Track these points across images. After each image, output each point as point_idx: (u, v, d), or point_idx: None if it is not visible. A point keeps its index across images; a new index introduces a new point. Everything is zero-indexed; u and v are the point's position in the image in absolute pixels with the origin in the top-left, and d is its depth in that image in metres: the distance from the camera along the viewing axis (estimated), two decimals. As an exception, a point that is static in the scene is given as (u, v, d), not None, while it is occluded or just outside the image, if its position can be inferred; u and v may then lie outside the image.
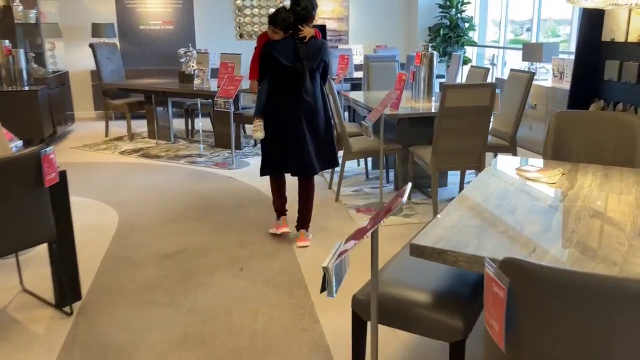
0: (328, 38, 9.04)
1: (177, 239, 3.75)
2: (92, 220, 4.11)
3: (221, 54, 7.16)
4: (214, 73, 7.39)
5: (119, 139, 7.09)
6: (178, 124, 7.80)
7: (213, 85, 6.43)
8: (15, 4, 6.42)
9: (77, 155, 6.26)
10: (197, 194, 4.73)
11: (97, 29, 8.05)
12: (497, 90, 3.68)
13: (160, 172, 5.48)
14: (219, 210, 4.31)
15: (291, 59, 3.29)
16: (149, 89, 6.53)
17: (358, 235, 1.41)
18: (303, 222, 3.60)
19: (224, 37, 8.85)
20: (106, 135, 7.22)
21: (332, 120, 3.62)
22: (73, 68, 8.31)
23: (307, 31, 3.31)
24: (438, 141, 3.71)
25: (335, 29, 9.12)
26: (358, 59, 8.61)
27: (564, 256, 1.56)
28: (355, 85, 7.45)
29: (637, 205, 1.99)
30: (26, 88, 6.19)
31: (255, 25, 8.91)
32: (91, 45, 7.04)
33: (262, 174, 3.57)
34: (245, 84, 5.08)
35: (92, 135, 7.34)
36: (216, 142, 6.56)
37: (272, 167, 3.51)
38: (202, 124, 7.72)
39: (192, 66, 6.36)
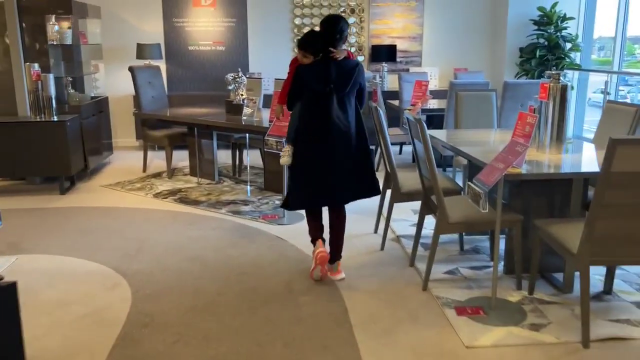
0: (398, 60, 7.93)
1: (204, 349, 2.69)
2: (94, 306, 3.13)
3: (275, 79, 6.18)
4: (268, 101, 6.43)
5: (158, 175, 6.21)
6: (224, 156, 6.87)
7: (265, 116, 5.45)
8: (50, 22, 5.69)
9: (106, 196, 5.40)
10: (238, 266, 3.68)
11: (142, 50, 7.28)
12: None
13: (196, 225, 4.50)
14: (263, 301, 3.23)
15: (322, 83, 3.17)
16: (191, 122, 5.61)
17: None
18: (337, 252, 3.45)
19: (280, 59, 7.91)
20: (144, 170, 6.37)
21: (369, 146, 3.38)
22: (115, 92, 7.57)
23: (339, 53, 3.20)
24: (596, 222, 2.48)
25: (406, 50, 7.99)
26: (432, 84, 7.44)
27: None
28: (432, 118, 6.27)
29: None
30: (55, 118, 5.40)
31: (316, 46, 7.92)
32: (130, 69, 6.23)
33: (292, 207, 3.42)
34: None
35: (129, 169, 6.51)
36: (266, 184, 5.54)
37: (302, 199, 3.34)
38: (252, 157, 6.75)
39: (241, 94, 5.40)
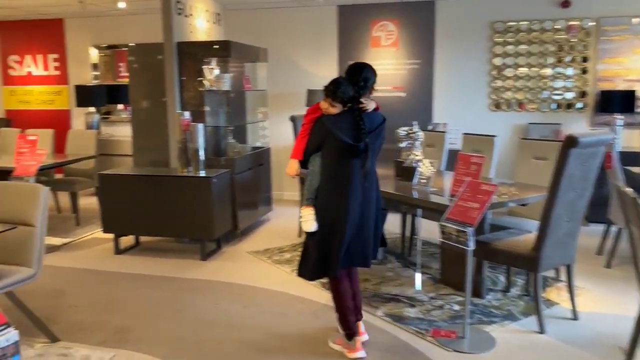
0: (638, 110, 5.94)
1: None
2: None
3: (463, 134, 4.80)
4: (452, 159, 5.04)
5: (312, 244, 5.18)
6: (393, 222, 5.56)
7: (447, 184, 4.09)
8: (209, 67, 5.12)
9: (248, 268, 4.49)
10: None
11: (313, 96, 6.48)
12: None
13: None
14: None
15: (352, 136, 2.88)
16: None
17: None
18: (360, 309, 3.19)
19: (472, 107, 6.49)
20: (299, 234, 5.41)
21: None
22: (281, 142, 6.85)
23: (369, 104, 2.96)
24: None
25: (647, 97, 5.95)
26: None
27: None
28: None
29: None
30: (201, 173, 4.73)
31: (519, 92, 6.33)
32: (292, 119, 5.40)
33: (313, 277, 3.05)
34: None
35: (285, 231, 5.61)
36: (442, 276, 4.13)
37: (324, 267, 2.98)
38: (428, 228, 5.33)
39: (415, 155, 4.12)
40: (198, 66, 5.09)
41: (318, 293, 3.96)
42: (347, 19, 6.80)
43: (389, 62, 6.70)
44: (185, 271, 4.47)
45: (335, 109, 2.92)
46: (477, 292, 3.77)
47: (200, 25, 5.57)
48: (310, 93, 6.51)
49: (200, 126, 4.69)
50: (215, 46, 5.13)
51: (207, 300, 3.88)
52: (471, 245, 2.99)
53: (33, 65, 7.98)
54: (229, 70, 5.45)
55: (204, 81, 5.08)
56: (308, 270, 3.05)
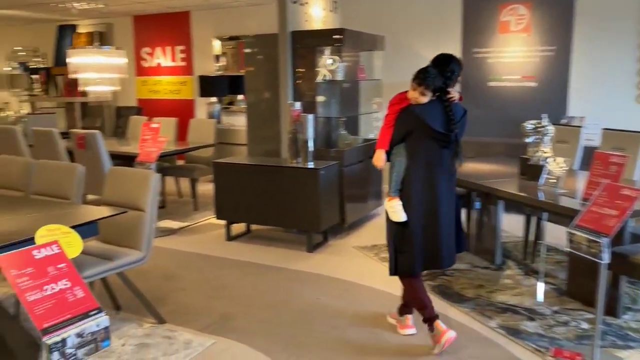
0: None
1: None
2: None
3: (603, 130, 4.22)
4: (587, 158, 4.48)
5: (423, 242, 4.89)
6: (514, 224, 5.08)
7: (580, 185, 3.61)
8: (323, 56, 5.02)
9: (353, 264, 4.35)
10: None
11: (431, 86, 6.15)
12: None
13: (448, 351, 2.99)
14: None
15: (441, 126, 2.86)
16: (465, 184, 4.10)
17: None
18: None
19: (616, 97, 5.74)
20: (410, 232, 5.14)
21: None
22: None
23: (455, 94, 2.94)
24: None
25: None
26: None
27: None
28: None
29: None
30: (310, 164, 4.65)
31: (675, 81, 5.48)
32: (407, 109, 5.12)
33: (404, 272, 3.00)
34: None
35: (394, 228, 5.37)
36: (569, 288, 3.65)
37: (417, 263, 2.94)
38: (554, 233, 4.77)
39: (543, 152, 3.67)
40: (312, 56, 5.00)
41: (425, 296, 3.69)
42: (472, 2, 6.35)
43: (518, 49, 6.15)
44: (291, 262, 4.43)
45: (425, 98, 2.89)
46: (612, 310, 3.27)
47: (316, 14, 5.47)
48: (429, 83, 6.17)
49: (310, 117, 4.60)
50: (329, 35, 5.00)
51: (309, 294, 3.78)
52: (605, 259, 2.55)
53: (162, 57, 8.48)
54: (343, 60, 5.30)
55: (317, 71, 4.99)
56: (394, 266, 3.01)
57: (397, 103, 3.01)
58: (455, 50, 6.37)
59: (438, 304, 3.60)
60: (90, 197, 5.60)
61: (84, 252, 3.10)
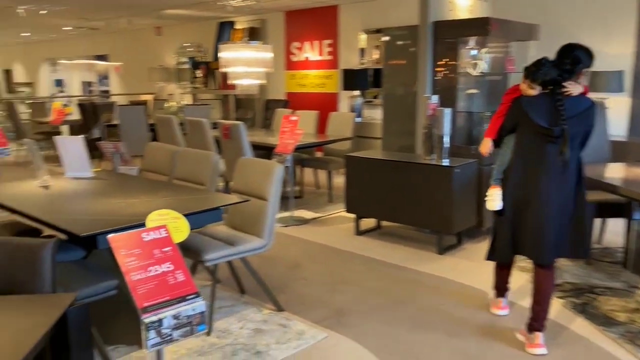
0: None
1: None
2: None
3: None
4: None
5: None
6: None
7: None
8: (466, 47, 4.72)
9: (483, 271, 4.02)
10: None
11: (595, 80, 5.49)
12: None
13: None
14: None
15: (548, 120, 2.74)
16: (610, 188, 3.53)
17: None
18: (536, 321, 2.89)
19: None
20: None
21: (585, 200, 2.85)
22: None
23: (574, 88, 2.75)
24: None
25: None
26: None
27: None
28: None
29: None
30: (444, 162, 4.40)
31: None
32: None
33: (492, 257, 3.17)
34: None
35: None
36: None
37: (503, 251, 3.03)
38: None
39: None
40: (454, 47, 4.72)
41: (565, 315, 3.29)
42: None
43: None
44: (418, 263, 4.25)
45: (534, 91, 2.83)
46: None
47: (463, 3, 5.16)
48: (592, 75, 5.51)
49: (447, 111, 4.34)
50: (472, 25, 4.68)
51: (432, 299, 3.58)
52: None
53: (310, 51, 8.70)
54: (489, 51, 4.93)
55: (459, 63, 4.70)
56: (491, 251, 3.13)
57: (511, 93, 2.99)
58: (628, 36, 5.66)
59: (580, 324, 3.20)
60: (233, 184, 5.93)
61: (212, 236, 3.29)
